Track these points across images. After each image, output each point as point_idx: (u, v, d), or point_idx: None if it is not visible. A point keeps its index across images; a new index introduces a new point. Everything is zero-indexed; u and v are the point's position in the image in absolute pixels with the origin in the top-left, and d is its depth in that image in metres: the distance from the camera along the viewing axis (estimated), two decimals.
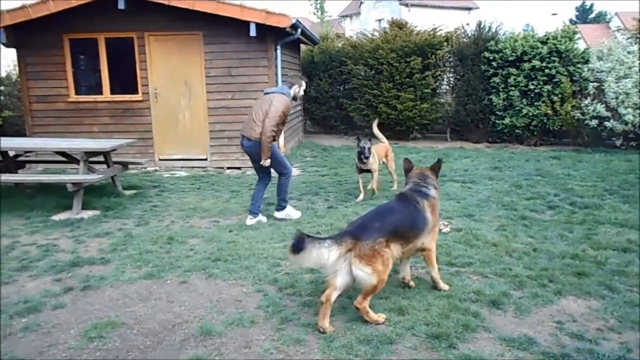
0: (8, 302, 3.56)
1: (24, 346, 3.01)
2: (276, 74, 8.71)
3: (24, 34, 8.43)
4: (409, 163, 3.90)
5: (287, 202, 5.65)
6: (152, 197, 6.73)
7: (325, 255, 3.05)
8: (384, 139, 6.99)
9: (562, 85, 10.18)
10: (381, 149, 6.73)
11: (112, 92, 8.88)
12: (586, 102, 9.93)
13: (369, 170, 6.35)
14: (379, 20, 32.32)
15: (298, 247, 3.04)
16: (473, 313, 3.31)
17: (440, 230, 4.64)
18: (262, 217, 5.56)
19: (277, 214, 5.64)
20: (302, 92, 5.63)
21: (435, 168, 3.84)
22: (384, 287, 3.26)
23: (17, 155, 7.11)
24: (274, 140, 5.28)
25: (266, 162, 5.29)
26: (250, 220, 5.48)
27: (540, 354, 2.85)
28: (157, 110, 8.85)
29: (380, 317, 3.23)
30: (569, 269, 4.00)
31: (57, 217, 5.67)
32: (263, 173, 5.53)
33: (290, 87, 5.48)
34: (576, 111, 10.07)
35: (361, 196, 6.35)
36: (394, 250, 3.24)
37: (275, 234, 5.06)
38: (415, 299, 3.53)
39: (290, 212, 5.65)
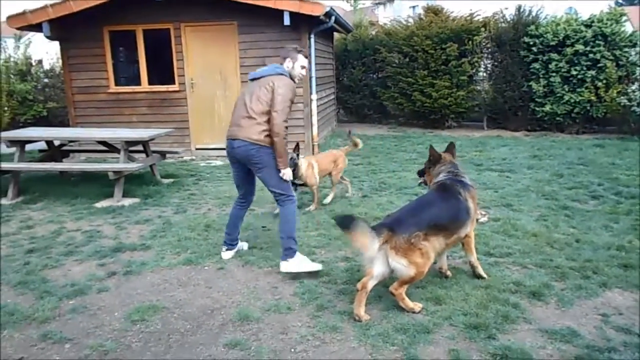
0: (56, 285, 3.72)
1: (72, 327, 3.15)
2: (310, 63, 8.68)
3: (67, 27, 8.69)
4: (436, 151, 3.82)
5: (296, 243, 3.85)
6: (190, 185, 6.87)
7: (375, 243, 3.07)
8: (342, 148, 6.11)
9: (607, 70, 9.74)
10: (325, 158, 5.79)
11: (150, 82, 9.07)
12: (633, 87, 9.50)
13: (304, 184, 5.44)
14: (414, 7, 31.65)
15: (344, 223, 3.13)
16: (513, 304, 3.24)
17: (477, 219, 4.56)
18: (242, 244, 4.32)
19: (285, 266, 3.79)
20: (299, 70, 4.02)
21: (452, 153, 3.82)
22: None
23: (61, 145, 7.40)
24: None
25: (287, 173, 3.81)
26: (227, 253, 4.17)
27: (584, 347, 2.77)
28: (193, 100, 9.00)
29: (417, 305, 3.21)
30: (614, 261, 3.86)
31: (99, 205, 5.87)
32: (248, 188, 4.12)
33: (282, 64, 3.97)
34: (622, 97, 9.64)
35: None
36: (436, 243, 3.22)
37: (310, 223, 5.08)
38: (452, 289, 3.48)
39: (304, 263, 3.80)
